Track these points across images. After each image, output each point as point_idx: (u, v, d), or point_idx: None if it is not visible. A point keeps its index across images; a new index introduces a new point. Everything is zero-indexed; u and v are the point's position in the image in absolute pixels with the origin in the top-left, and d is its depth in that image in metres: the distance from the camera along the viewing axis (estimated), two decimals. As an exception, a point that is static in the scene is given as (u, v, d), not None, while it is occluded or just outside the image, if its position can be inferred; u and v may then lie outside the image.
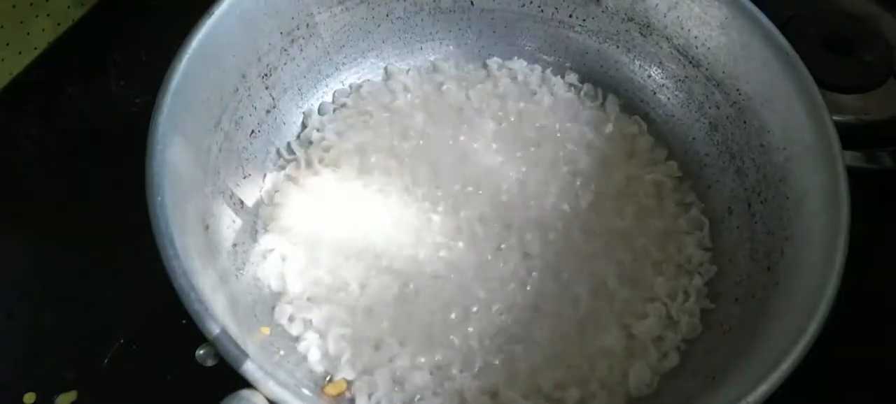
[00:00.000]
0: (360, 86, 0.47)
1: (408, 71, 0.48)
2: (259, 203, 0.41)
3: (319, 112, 0.46)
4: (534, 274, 0.39)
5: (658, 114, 0.46)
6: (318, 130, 0.44)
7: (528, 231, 0.41)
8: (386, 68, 0.48)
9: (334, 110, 0.46)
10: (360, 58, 0.47)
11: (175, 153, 0.34)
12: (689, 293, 0.39)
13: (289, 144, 0.44)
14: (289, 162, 0.43)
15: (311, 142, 0.44)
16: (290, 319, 0.37)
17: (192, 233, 0.34)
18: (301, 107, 0.45)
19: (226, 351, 0.28)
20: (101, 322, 0.40)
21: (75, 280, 0.41)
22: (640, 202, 0.42)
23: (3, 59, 0.48)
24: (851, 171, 0.35)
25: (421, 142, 0.44)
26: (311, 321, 0.37)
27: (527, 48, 0.49)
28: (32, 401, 0.37)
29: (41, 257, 0.42)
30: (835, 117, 0.36)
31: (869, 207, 0.36)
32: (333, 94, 0.47)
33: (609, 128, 0.46)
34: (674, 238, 0.41)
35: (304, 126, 0.45)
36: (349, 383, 0.36)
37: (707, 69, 0.43)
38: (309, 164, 0.43)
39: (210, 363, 0.31)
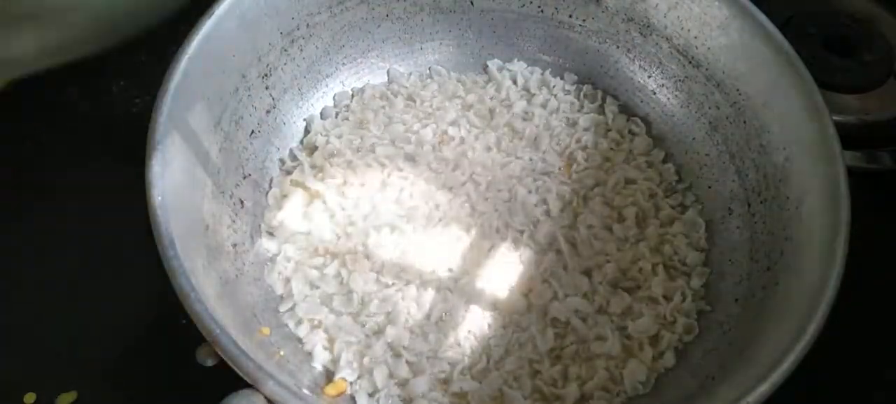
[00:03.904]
0: (361, 89, 0.47)
1: (409, 75, 0.48)
2: (260, 204, 0.41)
3: (322, 116, 0.46)
4: (533, 276, 0.39)
5: (658, 115, 0.46)
6: (321, 135, 0.44)
7: (527, 233, 0.41)
8: (388, 71, 0.48)
9: (336, 115, 0.46)
10: (360, 58, 0.47)
11: (175, 153, 0.34)
12: (685, 294, 0.39)
13: (291, 150, 0.44)
14: (293, 167, 0.43)
15: (315, 148, 0.44)
16: (296, 322, 0.38)
17: (192, 233, 0.34)
18: (301, 108, 0.45)
19: (226, 351, 0.28)
20: (101, 322, 0.40)
21: (75, 280, 0.41)
22: (638, 204, 0.42)
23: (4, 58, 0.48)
24: (851, 171, 0.35)
25: (422, 146, 0.44)
26: (318, 321, 0.37)
27: (527, 48, 0.49)
28: (32, 401, 0.37)
29: (41, 256, 0.42)
30: (835, 117, 0.36)
31: (869, 207, 0.36)
32: (335, 98, 0.47)
33: (608, 129, 0.46)
34: (671, 239, 0.41)
35: (307, 131, 0.45)
36: (349, 383, 0.36)
37: (707, 69, 0.43)
38: (313, 169, 0.43)
39: (210, 363, 0.31)
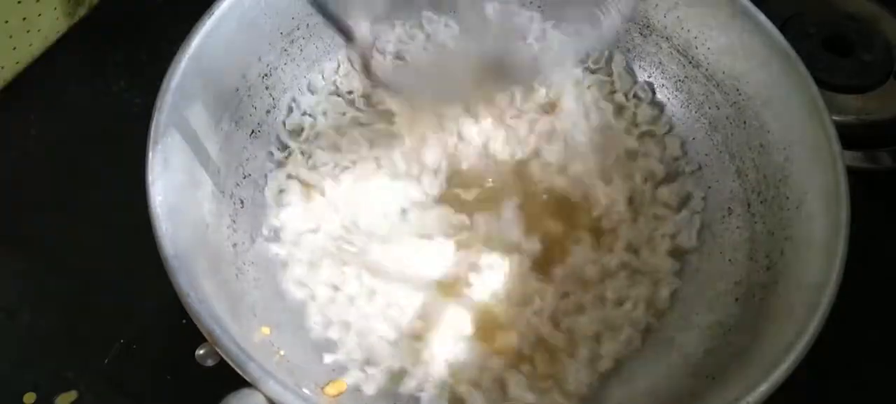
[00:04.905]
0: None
1: (394, 27, 0.46)
2: (260, 204, 0.41)
3: (309, 90, 0.45)
4: (528, 266, 0.39)
5: (658, 115, 0.46)
6: (306, 114, 0.44)
7: (527, 212, 0.41)
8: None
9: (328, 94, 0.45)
10: (360, 58, 0.47)
11: (175, 153, 0.34)
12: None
13: (277, 136, 0.43)
14: (286, 158, 0.42)
15: (302, 130, 0.43)
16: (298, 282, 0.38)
17: (192, 233, 0.34)
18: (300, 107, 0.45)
19: (226, 351, 0.28)
20: (101, 322, 0.40)
21: (75, 280, 0.41)
22: (635, 186, 0.42)
23: (3, 58, 0.48)
24: (851, 171, 0.35)
25: (415, 122, 0.43)
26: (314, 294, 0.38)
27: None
28: (32, 401, 0.37)
29: (41, 257, 0.42)
30: (835, 117, 0.36)
31: (869, 207, 0.36)
32: (323, 73, 0.46)
33: (613, 91, 0.46)
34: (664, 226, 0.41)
35: (290, 110, 0.44)
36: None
37: (707, 69, 0.43)
38: (302, 155, 0.42)
39: (210, 363, 0.31)
